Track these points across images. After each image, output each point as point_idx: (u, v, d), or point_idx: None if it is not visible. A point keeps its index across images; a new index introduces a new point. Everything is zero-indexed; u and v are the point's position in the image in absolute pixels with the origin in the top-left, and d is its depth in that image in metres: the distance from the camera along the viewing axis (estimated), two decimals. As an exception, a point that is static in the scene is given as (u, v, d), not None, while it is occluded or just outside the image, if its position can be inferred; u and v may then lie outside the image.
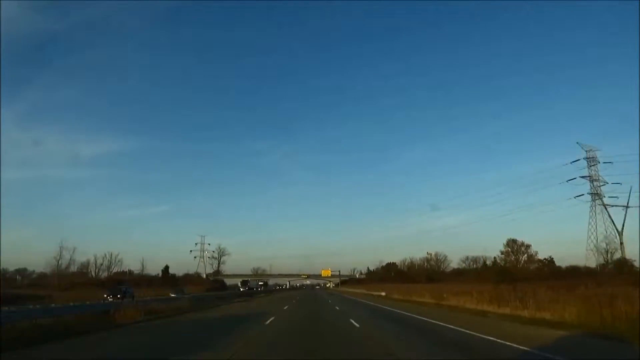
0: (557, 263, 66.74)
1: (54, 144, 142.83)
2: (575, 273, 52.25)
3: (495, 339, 11.23)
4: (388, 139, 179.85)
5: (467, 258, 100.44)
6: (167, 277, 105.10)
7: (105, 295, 34.62)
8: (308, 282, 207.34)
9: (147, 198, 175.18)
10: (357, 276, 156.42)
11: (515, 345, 10.11)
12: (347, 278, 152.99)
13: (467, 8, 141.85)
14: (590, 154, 59.23)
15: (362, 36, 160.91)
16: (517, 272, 58.06)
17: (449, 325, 15.35)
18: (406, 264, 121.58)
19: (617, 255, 47.14)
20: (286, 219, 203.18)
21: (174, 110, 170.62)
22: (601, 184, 58.46)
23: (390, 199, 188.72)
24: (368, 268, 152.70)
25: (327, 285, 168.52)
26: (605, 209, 55.88)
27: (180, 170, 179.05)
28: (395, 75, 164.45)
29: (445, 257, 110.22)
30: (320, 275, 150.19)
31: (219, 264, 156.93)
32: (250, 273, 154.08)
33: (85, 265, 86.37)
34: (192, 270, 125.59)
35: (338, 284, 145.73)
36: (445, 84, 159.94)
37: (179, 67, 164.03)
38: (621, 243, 48.38)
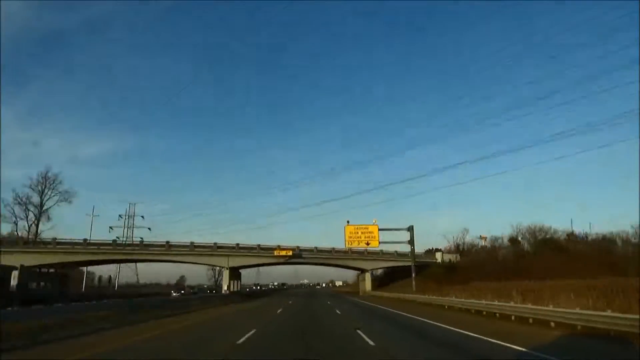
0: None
1: (54, 143, 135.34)
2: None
3: None
4: (389, 139, 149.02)
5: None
6: None
7: None
8: (305, 280, 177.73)
9: (147, 197, 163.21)
10: (444, 259, 52.12)
11: None
12: (420, 262, 48.04)
13: (467, 8, 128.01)
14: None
15: (363, 36, 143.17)
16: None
17: None
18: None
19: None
20: (285, 218, 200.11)
21: (174, 110, 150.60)
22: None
23: (392, 199, 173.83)
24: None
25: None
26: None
27: (180, 170, 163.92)
28: (396, 75, 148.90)
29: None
30: (344, 252, 44.68)
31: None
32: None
33: None
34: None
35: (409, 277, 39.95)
36: (446, 84, 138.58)
37: (180, 67, 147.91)
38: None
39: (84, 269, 57.09)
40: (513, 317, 14.92)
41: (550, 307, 13.11)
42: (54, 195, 55.37)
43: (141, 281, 79.96)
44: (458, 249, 60.89)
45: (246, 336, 10.78)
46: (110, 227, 60.01)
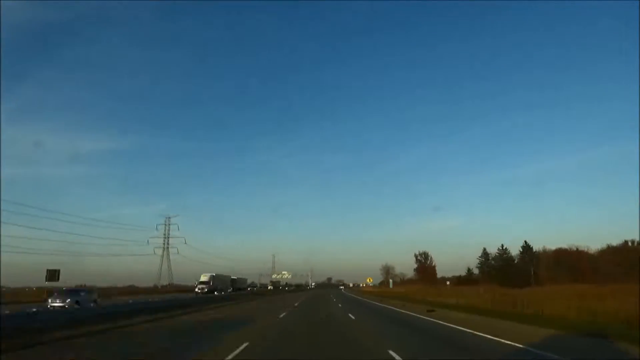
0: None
1: (54, 141, 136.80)
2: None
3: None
4: (390, 139, 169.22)
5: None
6: None
7: None
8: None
9: (148, 196, 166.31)
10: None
11: None
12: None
13: (467, 9, 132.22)
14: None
15: (364, 35, 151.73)
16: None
17: None
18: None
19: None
20: (285, 217, 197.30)
21: (174, 109, 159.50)
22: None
23: (394, 199, 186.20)
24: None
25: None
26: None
27: (180, 168, 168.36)
28: (396, 75, 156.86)
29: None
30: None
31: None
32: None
33: None
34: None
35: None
36: (447, 85, 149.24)
37: (180, 65, 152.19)
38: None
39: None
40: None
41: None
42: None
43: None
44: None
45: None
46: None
